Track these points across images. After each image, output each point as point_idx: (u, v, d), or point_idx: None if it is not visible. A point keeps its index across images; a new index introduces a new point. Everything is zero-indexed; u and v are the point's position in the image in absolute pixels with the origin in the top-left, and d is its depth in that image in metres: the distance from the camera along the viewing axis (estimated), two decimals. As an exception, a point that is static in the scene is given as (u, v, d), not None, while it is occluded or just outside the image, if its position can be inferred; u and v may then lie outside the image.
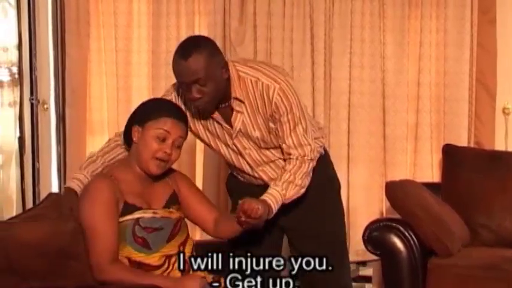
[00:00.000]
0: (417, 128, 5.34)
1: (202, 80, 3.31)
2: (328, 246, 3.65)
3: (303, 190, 3.50)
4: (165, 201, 3.42)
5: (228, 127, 3.51)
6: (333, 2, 5.24)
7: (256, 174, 3.64)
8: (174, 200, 3.46)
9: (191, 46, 3.35)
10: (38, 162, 5.30)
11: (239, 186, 3.76)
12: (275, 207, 3.40)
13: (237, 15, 5.28)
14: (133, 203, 3.31)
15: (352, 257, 4.93)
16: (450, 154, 5.07)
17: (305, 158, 3.49)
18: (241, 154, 3.58)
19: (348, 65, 5.26)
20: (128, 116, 5.25)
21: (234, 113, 3.48)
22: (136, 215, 3.30)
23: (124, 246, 3.30)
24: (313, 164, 3.53)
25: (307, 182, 3.51)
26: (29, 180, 5.28)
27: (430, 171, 5.32)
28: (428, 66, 5.31)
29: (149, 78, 5.40)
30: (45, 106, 5.35)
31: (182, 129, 3.37)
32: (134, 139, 3.35)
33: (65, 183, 5.34)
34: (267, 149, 3.57)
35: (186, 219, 3.56)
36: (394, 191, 4.57)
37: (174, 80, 5.25)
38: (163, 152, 3.32)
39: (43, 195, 4.54)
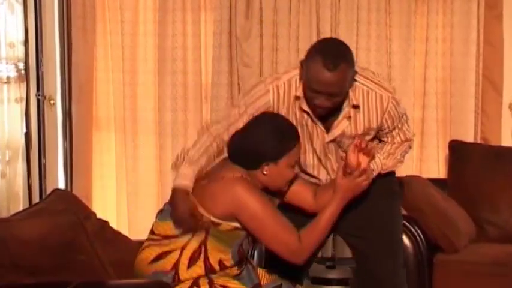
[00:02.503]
0: (423, 123, 5.34)
1: (336, 94, 3.25)
2: (389, 245, 3.64)
3: (400, 164, 3.54)
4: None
5: (323, 130, 3.43)
6: (339, -2, 5.25)
7: (315, 173, 3.58)
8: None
9: (340, 57, 3.23)
10: (45, 157, 5.30)
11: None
12: (375, 172, 3.42)
13: (243, 10, 5.27)
14: None
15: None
16: (456, 150, 5.07)
17: (406, 142, 3.52)
18: (320, 157, 3.51)
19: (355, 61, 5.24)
20: (133, 111, 5.33)
21: (340, 119, 3.39)
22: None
23: (227, 252, 3.25)
24: (411, 147, 3.58)
25: (404, 159, 3.55)
26: (36, 176, 5.28)
27: (437, 167, 5.32)
28: (435, 62, 5.31)
29: (155, 73, 5.40)
30: (52, 102, 5.35)
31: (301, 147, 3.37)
32: (265, 172, 3.25)
33: (71, 178, 5.36)
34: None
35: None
36: (401, 187, 4.57)
37: (179, 76, 5.31)
38: (294, 175, 3.36)
39: (49, 190, 4.54)
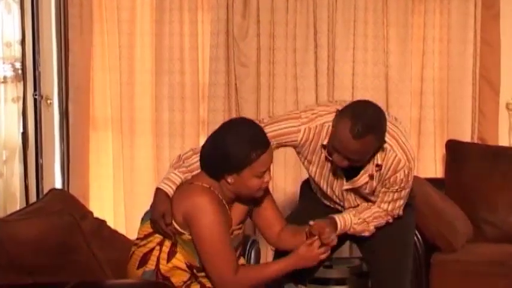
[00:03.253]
0: (420, 123, 5.34)
1: (354, 160, 3.28)
2: (399, 251, 3.67)
3: (366, 234, 3.53)
4: (241, 218, 3.40)
5: (343, 177, 3.46)
6: (336, -2, 5.24)
7: (341, 204, 3.63)
8: (247, 216, 3.44)
9: (370, 127, 3.21)
10: (42, 157, 5.30)
11: (313, 196, 3.75)
12: (339, 230, 3.43)
13: (240, 10, 5.27)
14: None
15: (356, 251, 4.92)
16: (454, 149, 5.07)
17: (389, 215, 3.52)
18: (339, 194, 3.56)
19: (351, 60, 5.25)
20: (130, 110, 5.33)
21: (362, 174, 3.41)
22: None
23: (194, 259, 3.26)
24: (388, 222, 3.55)
25: (373, 230, 3.53)
26: (33, 176, 5.28)
27: (434, 167, 5.32)
28: (432, 62, 5.30)
29: (152, 73, 5.40)
30: (49, 102, 5.35)
31: (272, 155, 3.27)
32: (230, 181, 3.21)
33: (68, 178, 5.36)
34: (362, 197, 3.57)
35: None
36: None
37: (176, 76, 5.31)
38: (266, 183, 3.26)
39: (46, 190, 4.53)
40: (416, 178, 4.80)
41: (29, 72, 5.26)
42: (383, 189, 3.46)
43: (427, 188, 4.72)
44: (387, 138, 3.35)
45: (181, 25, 5.33)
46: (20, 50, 5.24)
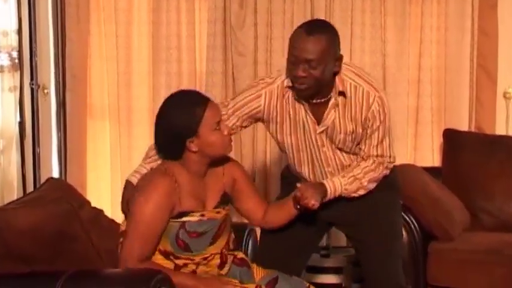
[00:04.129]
0: (418, 112, 5.34)
1: (314, 62, 3.23)
2: (388, 237, 3.62)
3: (362, 192, 3.46)
4: (216, 201, 3.33)
5: (314, 121, 3.43)
6: (334, -13, 5.23)
7: (306, 173, 3.59)
8: (225, 200, 3.38)
9: (319, 25, 3.31)
10: (39, 147, 5.30)
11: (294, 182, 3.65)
12: (330, 195, 3.39)
13: (237, -1, 5.27)
14: (186, 209, 3.22)
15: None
16: (451, 138, 5.07)
17: (381, 164, 3.47)
18: (317, 151, 3.50)
19: (349, 49, 5.24)
20: (127, 99, 5.32)
21: (329, 109, 3.39)
22: (184, 219, 3.23)
23: (165, 243, 3.23)
24: (385, 173, 3.50)
25: (371, 186, 3.47)
26: (30, 165, 5.28)
27: (431, 156, 5.32)
28: (429, 50, 5.30)
29: (149, 62, 5.39)
30: (46, 91, 5.35)
31: (217, 108, 3.29)
32: (194, 149, 3.19)
33: (65, 168, 5.37)
34: (342, 151, 3.50)
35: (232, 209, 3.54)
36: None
37: (174, 65, 5.30)
38: (227, 135, 3.25)
39: (44, 180, 4.53)
40: (413, 167, 4.85)
41: (25, 62, 5.25)
42: (367, 134, 3.42)
43: (424, 177, 4.73)
44: (348, 75, 3.37)
45: (178, 13, 5.33)
46: (17, 39, 5.23)
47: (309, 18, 5.23)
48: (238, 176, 3.45)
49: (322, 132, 3.44)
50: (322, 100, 3.39)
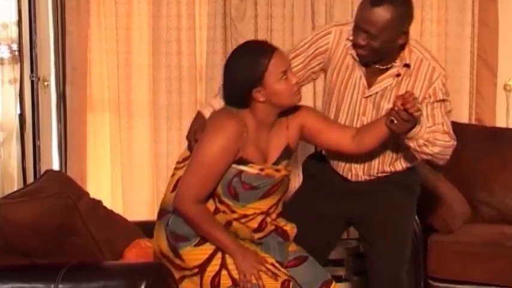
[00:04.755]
0: (418, 104, 5.33)
1: (373, 34, 3.20)
2: (398, 243, 3.59)
3: (426, 149, 3.30)
4: (277, 155, 3.29)
5: (365, 85, 3.39)
6: (334, -22, 5.22)
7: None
8: (286, 155, 3.32)
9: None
10: (39, 139, 5.29)
11: (318, 173, 3.65)
12: (416, 128, 3.20)
13: (237, -9, 5.27)
14: (248, 157, 3.20)
15: (353, 233, 4.93)
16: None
17: (450, 133, 3.36)
18: (356, 118, 3.44)
19: (349, 42, 5.23)
20: (127, 92, 5.31)
21: (386, 76, 3.35)
22: (243, 167, 3.20)
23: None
24: (453, 147, 3.39)
25: (436, 150, 3.32)
26: (30, 158, 5.27)
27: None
28: (430, 43, 5.29)
29: (150, 55, 5.39)
30: (46, 83, 5.34)
31: (284, 57, 3.25)
32: (261, 99, 3.16)
33: (65, 160, 5.37)
34: None
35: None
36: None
37: (174, 57, 5.29)
38: (295, 85, 3.19)
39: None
40: (413, 159, 4.84)
41: (25, 54, 5.24)
42: (428, 111, 3.33)
43: (424, 169, 4.72)
44: (418, 48, 3.35)
45: (178, 6, 5.31)
46: (17, 31, 5.22)
47: (309, 11, 5.24)
48: (304, 119, 3.36)
49: (369, 96, 3.40)
50: (383, 67, 3.36)
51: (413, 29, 5.24)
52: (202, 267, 3.20)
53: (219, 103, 3.34)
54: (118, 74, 5.40)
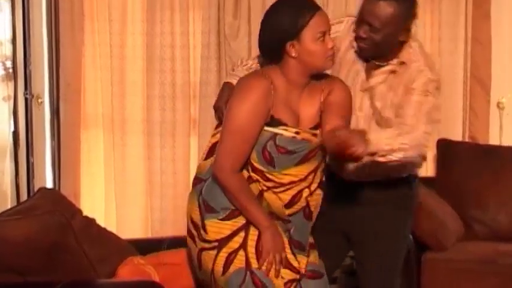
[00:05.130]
0: (412, 122, 5.34)
1: (376, 27, 3.21)
2: (390, 264, 3.58)
3: (398, 155, 3.20)
4: (314, 122, 3.18)
5: (364, 79, 3.38)
6: (328, -2, 5.24)
7: None
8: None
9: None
10: (32, 156, 5.29)
11: None
12: (374, 144, 3.09)
13: (231, 9, 5.27)
14: (280, 117, 3.10)
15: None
16: (445, 148, 5.08)
17: (419, 130, 3.26)
18: (353, 111, 3.38)
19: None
20: (121, 109, 5.31)
21: (379, 72, 3.35)
22: (277, 130, 3.10)
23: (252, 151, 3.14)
24: (417, 160, 3.34)
25: (413, 153, 3.24)
26: (24, 175, 5.27)
27: (425, 165, 5.30)
28: (423, 60, 5.31)
29: (144, 72, 5.38)
30: (40, 100, 5.34)
31: (328, 18, 3.16)
32: (294, 55, 3.08)
33: (59, 177, 5.35)
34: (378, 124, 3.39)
35: None
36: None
37: (168, 75, 5.29)
38: (330, 49, 3.11)
39: (37, 189, 4.53)
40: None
41: (19, 71, 5.25)
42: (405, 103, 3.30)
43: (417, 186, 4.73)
44: (417, 51, 3.35)
45: (172, 24, 5.32)
46: (11, 48, 5.23)
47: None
48: (335, 93, 3.23)
49: (365, 91, 3.39)
50: (381, 64, 3.36)
51: (407, 47, 5.30)
52: (222, 242, 3.14)
53: (243, 72, 3.33)
54: (112, 91, 5.40)
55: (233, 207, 3.15)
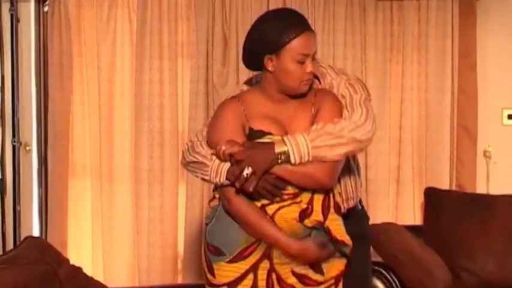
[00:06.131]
0: (399, 171, 5.37)
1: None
2: None
3: (342, 149, 3.00)
4: (304, 129, 3.06)
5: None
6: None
7: None
8: None
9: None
10: (19, 205, 5.26)
11: None
12: (294, 156, 2.96)
13: (219, 58, 5.30)
14: (261, 129, 3.05)
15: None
16: (432, 197, 5.09)
17: (357, 102, 3.13)
18: None
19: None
20: (109, 157, 5.31)
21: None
22: (263, 139, 3.03)
23: None
24: (370, 119, 3.15)
25: (358, 134, 3.07)
26: (10, 223, 5.24)
27: (412, 214, 5.33)
28: (410, 110, 5.35)
29: (132, 120, 5.39)
30: (27, 148, 5.33)
31: (315, 41, 3.07)
32: (270, 69, 3.04)
33: (46, 226, 5.32)
34: None
35: None
36: (377, 234, 4.56)
37: (156, 123, 5.30)
38: (308, 74, 3.04)
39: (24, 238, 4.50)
40: (394, 225, 4.85)
41: (7, 119, 5.25)
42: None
43: (405, 236, 4.73)
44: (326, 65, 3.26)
45: (161, 72, 5.34)
46: (-1, 96, 5.24)
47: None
48: (324, 104, 3.13)
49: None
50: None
51: (394, 97, 5.34)
52: (232, 285, 3.07)
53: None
54: (100, 139, 5.40)
55: (243, 246, 3.06)
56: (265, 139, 3.03)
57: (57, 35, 5.29)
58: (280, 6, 5.21)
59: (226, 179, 3.02)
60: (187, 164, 3.25)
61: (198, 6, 5.30)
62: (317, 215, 3.07)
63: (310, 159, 2.97)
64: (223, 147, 2.99)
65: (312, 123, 3.07)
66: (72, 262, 3.87)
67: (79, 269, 3.85)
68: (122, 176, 5.40)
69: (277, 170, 2.99)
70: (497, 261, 4.86)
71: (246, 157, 2.97)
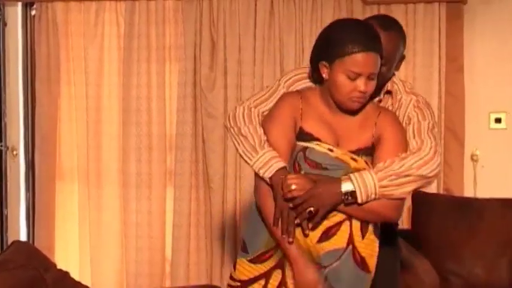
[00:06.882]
0: (387, 174, 5.36)
1: (385, 62, 3.00)
2: None
3: (410, 187, 2.92)
4: (358, 146, 2.97)
5: None
6: (303, 50, 5.27)
7: None
8: (368, 152, 2.98)
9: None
10: (7, 209, 5.26)
11: None
12: (362, 195, 2.84)
13: (207, 62, 5.29)
14: (312, 132, 2.96)
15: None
16: (420, 201, 5.09)
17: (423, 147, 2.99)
18: None
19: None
20: (97, 161, 5.30)
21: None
22: (309, 144, 2.94)
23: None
24: (438, 153, 2.98)
25: (427, 171, 2.93)
26: (-3, 227, 5.24)
27: (400, 218, 5.32)
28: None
29: (120, 124, 5.39)
30: (15, 152, 5.32)
31: (374, 63, 2.89)
32: (324, 76, 2.96)
33: (33, 230, 5.31)
34: None
35: None
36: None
37: (144, 126, 5.29)
38: (358, 92, 2.90)
39: (11, 242, 4.49)
40: (382, 229, 4.84)
41: (-6, 123, 5.25)
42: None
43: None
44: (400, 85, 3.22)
45: (148, 76, 5.34)
46: (-14, 100, 5.23)
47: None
48: (386, 130, 3.00)
49: None
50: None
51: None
52: (245, 284, 3.01)
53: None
54: (88, 143, 5.39)
55: (263, 249, 2.99)
56: (311, 144, 2.96)
57: (44, 39, 5.28)
58: (267, 9, 5.22)
59: (270, 178, 2.91)
60: (237, 133, 3.07)
61: (185, 10, 5.30)
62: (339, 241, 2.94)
63: (377, 198, 2.89)
64: (292, 186, 2.83)
65: (371, 144, 2.99)
66: (59, 266, 3.86)
67: (66, 273, 3.84)
68: (110, 179, 5.39)
69: (341, 206, 2.90)
70: (485, 265, 4.87)
71: (311, 196, 2.85)
